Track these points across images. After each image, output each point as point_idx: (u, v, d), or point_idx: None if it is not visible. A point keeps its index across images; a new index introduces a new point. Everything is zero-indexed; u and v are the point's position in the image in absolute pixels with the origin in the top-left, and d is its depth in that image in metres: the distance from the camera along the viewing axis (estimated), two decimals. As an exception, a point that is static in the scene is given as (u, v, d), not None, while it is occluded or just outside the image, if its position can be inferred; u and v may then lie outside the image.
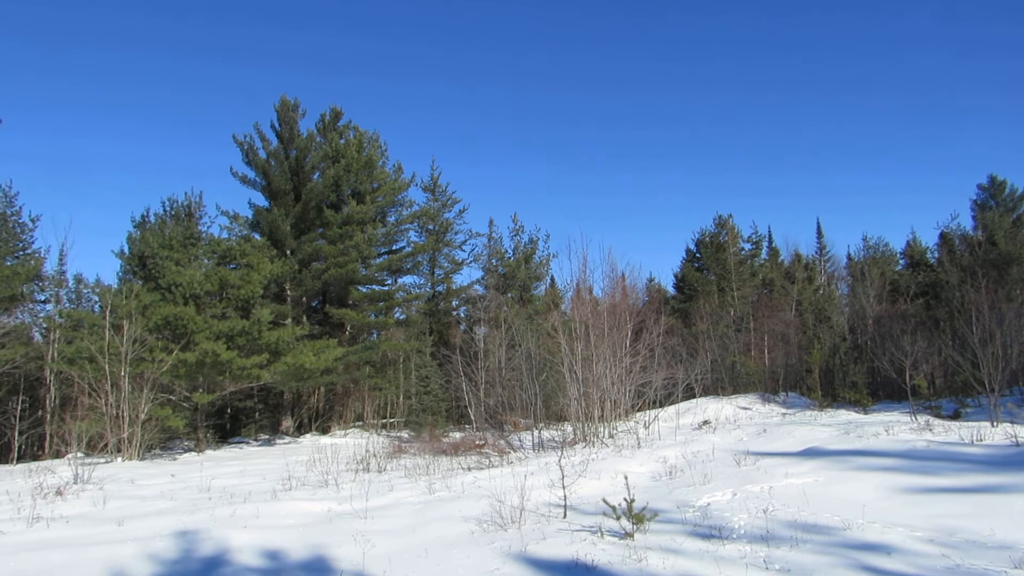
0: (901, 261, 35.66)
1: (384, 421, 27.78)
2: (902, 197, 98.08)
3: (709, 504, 8.21)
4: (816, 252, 39.07)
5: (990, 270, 24.47)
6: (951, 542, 6.10)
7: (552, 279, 36.06)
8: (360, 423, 28.11)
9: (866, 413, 18.89)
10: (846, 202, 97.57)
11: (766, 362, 27.73)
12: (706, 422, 17.64)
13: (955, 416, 16.64)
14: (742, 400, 22.66)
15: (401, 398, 27.68)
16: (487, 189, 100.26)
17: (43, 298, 28.49)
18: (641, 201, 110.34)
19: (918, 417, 15.88)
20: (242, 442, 23.83)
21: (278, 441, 23.61)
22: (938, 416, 16.55)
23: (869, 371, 22.95)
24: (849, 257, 38.47)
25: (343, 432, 25.68)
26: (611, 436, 15.27)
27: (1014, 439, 11.19)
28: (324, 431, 26.82)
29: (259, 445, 22.51)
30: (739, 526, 7.09)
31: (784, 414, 19.82)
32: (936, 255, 32.49)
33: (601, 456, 12.59)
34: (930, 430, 13.37)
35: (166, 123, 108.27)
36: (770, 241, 39.51)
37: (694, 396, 22.92)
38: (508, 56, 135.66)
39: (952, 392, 21.10)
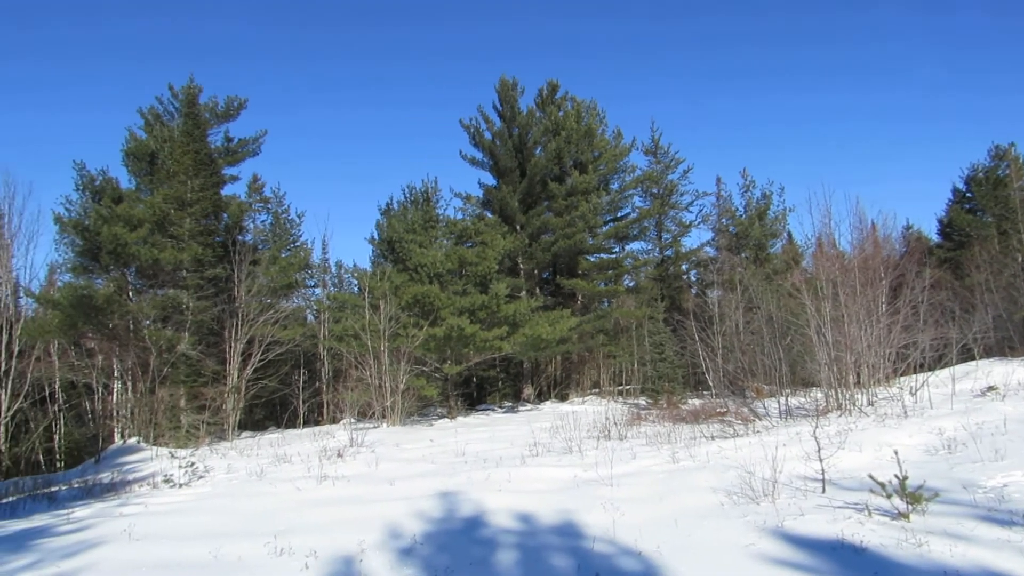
0: None
1: (620, 388, 27.94)
2: None
3: (1006, 485, 7.04)
4: None
5: None
6: None
7: (789, 235, 33.63)
8: (596, 390, 28.53)
9: None
10: None
11: (1071, 315, 23.52)
12: (991, 388, 15.31)
13: None
14: (1040, 362, 19.44)
15: (636, 365, 27.63)
16: (711, 147, 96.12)
17: (313, 284, 32.39)
18: (892, 148, 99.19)
19: None
20: (488, 409, 25.24)
21: (520, 408, 24.69)
22: None
23: None
24: None
25: (581, 399, 26.24)
26: (871, 404, 13.90)
27: None
28: (563, 398, 27.62)
29: (503, 412, 23.71)
30: (1050, 513, 6.01)
31: (1095, 377, 16.70)
32: None
33: (860, 426, 11.51)
34: None
35: (401, 115, 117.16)
36: (1069, 168, 33.42)
37: (972, 358, 20.09)
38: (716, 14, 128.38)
39: None
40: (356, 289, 27.83)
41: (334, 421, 24.04)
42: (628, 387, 27.73)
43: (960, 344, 17.81)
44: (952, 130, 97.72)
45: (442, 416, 22.00)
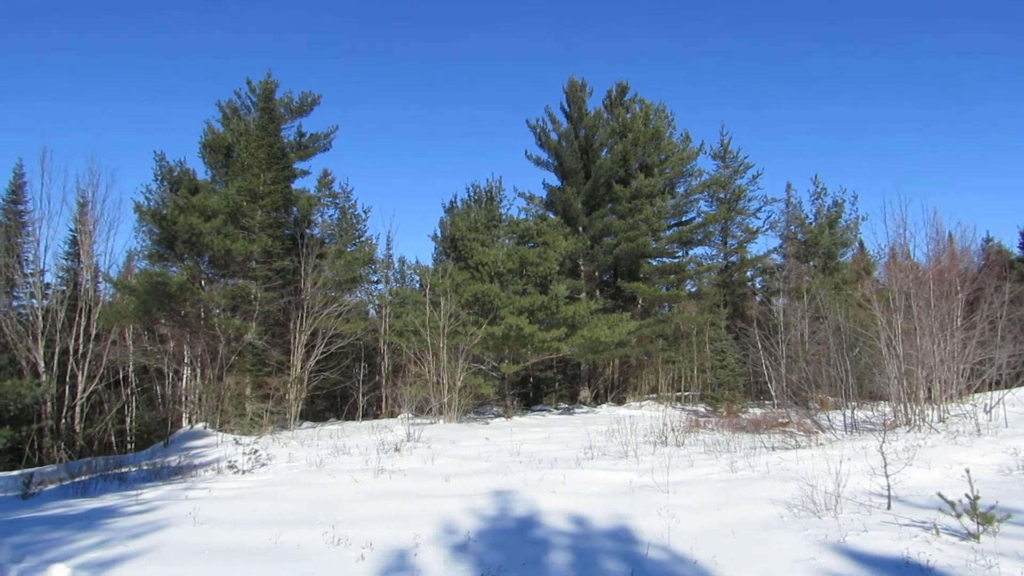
0: None
1: (678, 394, 27.58)
2: None
3: (1086, 509, 6.74)
4: None
5: None
6: None
7: (861, 244, 32.60)
8: (654, 395, 28.23)
9: None
10: None
11: None
12: (1070, 408, 14.64)
13: None
14: None
15: (695, 371, 27.22)
16: (783, 155, 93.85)
17: (376, 279, 33.00)
18: (970, 157, 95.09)
19: None
20: (544, 410, 25.26)
21: (576, 410, 24.63)
22: None
23: None
24: None
25: (638, 404, 26.00)
26: (942, 420, 13.38)
27: None
28: (619, 402, 27.42)
29: (559, 413, 23.69)
30: None
31: None
32: None
33: (930, 443, 11.09)
34: None
35: (467, 114, 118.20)
36: None
37: (1052, 376, 19.18)
38: (795, 21, 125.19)
39: None
40: (418, 285, 28.22)
41: (392, 415, 24.43)
42: (687, 393, 27.35)
43: (1040, 362, 16.99)
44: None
45: (498, 415, 22.12)
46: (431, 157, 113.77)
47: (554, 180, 30.14)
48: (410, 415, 20.05)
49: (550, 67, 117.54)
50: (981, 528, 5.94)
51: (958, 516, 6.12)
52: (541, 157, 30.14)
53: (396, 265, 33.95)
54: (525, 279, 22.76)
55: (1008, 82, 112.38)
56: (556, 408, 25.82)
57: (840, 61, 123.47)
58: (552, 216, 28.62)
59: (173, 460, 12.59)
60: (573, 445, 13.05)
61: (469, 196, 31.61)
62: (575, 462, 10.83)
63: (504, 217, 27.74)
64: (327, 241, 26.21)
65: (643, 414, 21.01)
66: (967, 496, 6.12)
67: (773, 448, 11.98)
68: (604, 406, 25.87)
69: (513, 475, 9.62)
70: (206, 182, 25.04)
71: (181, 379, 22.85)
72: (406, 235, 74.99)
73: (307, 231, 24.07)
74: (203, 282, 22.82)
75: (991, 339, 15.43)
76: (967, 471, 6.93)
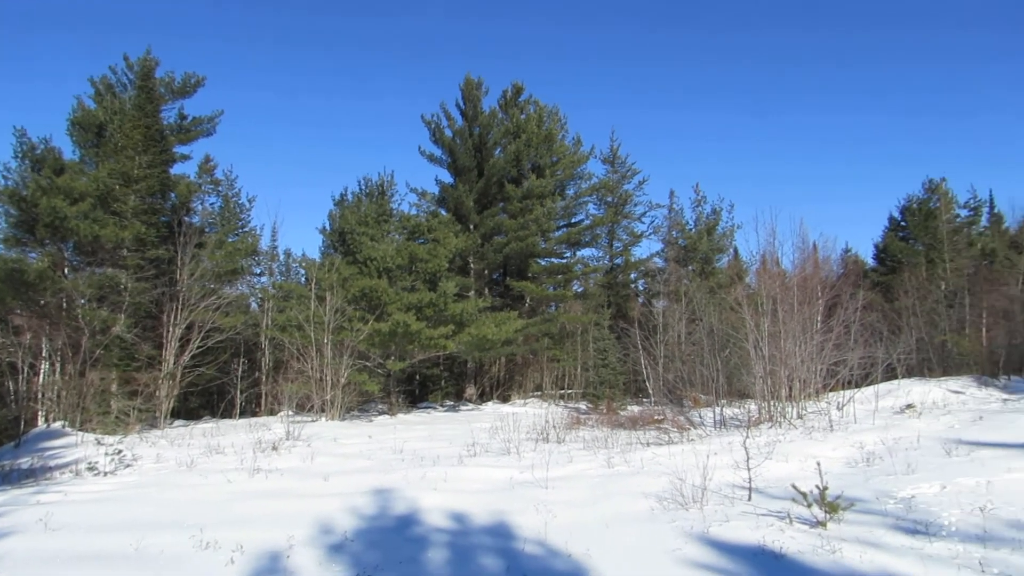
0: None
1: (562, 392, 28.19)
2: None
3: (913, 496, 7.48)
4: (1050, 217, 34.18)
5: None
6: None
7: (736, 251, 34.51)
8: (539, 393, 28.72)
9: (1111, 403, 16.38)
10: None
11: (983, 342, 24.79)
12: (910, 406, 16.08)
13: None
14: (953, 383, 20.44)
15: (579, 370, 27.92)
16: (667, 160, 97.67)
17: (259, 271, 31.81)
18: (836, 169, 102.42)
19: None
20: (429, 407, 25.20)
21: (462, 408, 24.72)
22: None
23: (1115, 355, 19.80)
24: (1095, 224, 33.32)
25: (523, 401, 26.39)
26: (800, 417, 14.41)
27: None
28: (504, 400, 27.73)
29: (445, 411, 23.70)
30: (949, 523, 6.40)
31: (1005, 400, 17.62)
32: None
33: (789, 438, 11.92)
34: None
35: (360, 106, 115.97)
36: (992, 207, 35.12)
37: (895, 377, 21.03)
38: (685, 30, 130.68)
39: None
40: (303, 279, 27.44)
41: (272, 413, 23.68)
42: (570, 391, 28.00)
43: (885, 364, 18.61)
44: (899, 157, 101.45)
45: (383, 412, 21.89)
46: (322, 148, 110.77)
47: (447, 177, 30.08)
48: (291, 413, 19.50)
49: (447, 63, 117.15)
50: (828, 516, 6.47)
51: (809, 506, 6.64)
52: (435, 153, 30.02)
53: (281, 257, 32.80)
54: (414, 275, 22.62)
55: (864, 96, 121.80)
56: (442, 406, 25.81)
57: (725, 68, 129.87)
58: (444, 213, 28.57)
59: (25, 462, 11.65)
60: (457, 443, 13.13)
61: (360, 189, 31.09)
62: (458, 459, 10.90)
63: (395, 212, 27.42)
64: (207, 230, 25.03)
65: (527, 411, 21.36)
66: (817, 487, 6.66)
67: (648, 444, 12.51)
68: (489, 404, 26.08)
69: (395, 473, 9.58)
70: (74, 162, 23.25)
71: (38, 374, 21.14)
72: (293, 227, 72.53)
73: (185, 219, 22.86)
74: (66, 270, 21.22)
75: (845, 342, 16.71)
76: (818, 464, 7.55)
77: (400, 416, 20.94)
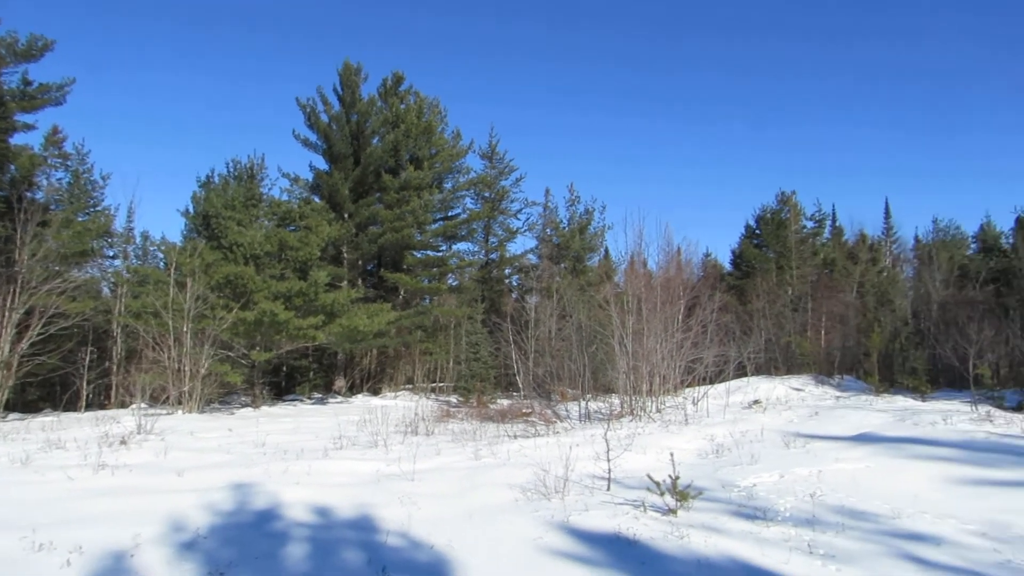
0: (973, 245, 34.24)
1: (433, 385, 28.21)
2: (978, 181, 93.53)
3: (755, 485, 8.12)
4: (883, 233, 37.80)
5: (1067, 257, 23.20)
6: (1004, 536, 5.93)
7: (607, 251, 35.82)
8: (410, 386, 28.59)
9: (924, 400, 18.35)
10: (918, 184, 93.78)
11: (822, 344, 27.11)
12: (756, 402, 17.37)
13: (1019, 408, 15.99)
14: (795, 381, 22.25)
15: (451, 363, 28.03)
16: (545, 159, 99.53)
17: (112, 254, 29.73)
18: (702, 175, 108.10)
19: (979, 407, 15.31)
20: (296, 400, 24.51)
21: (331, 400, 24.21)
22: (1000, 407, 15.91)
23: (930, 358, 22.18)
24: (917, 239, 37.15)
25: (393, 394, 26.17)
26: (659, 411, 15.19)
27: (1082, 434, 10.73)
28: (375, 392, 27.39)
29: (312, 403, 23.13)
30: (784, 509, 7.01)
31: (838, 397, 19.39)
32: (1011, 240, 30.82)
33: (648, 431, 12.55)
34: (991, 421, 12.92)
35: (232, 85, 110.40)
36: (834, 220, 38.42)
37: (746, 375, 22.60)
38: (570, 31, 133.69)
39: (1018, 383, 20.17)
40: (162, 264, 25.88)
41: (123, 406, 22.16)
42: (441, 384, 28.06)
43: (736, 362, 20.00)
44: (759, 167, 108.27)
45: (246, 405, 21.08)
46: (187, 127, 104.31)
47: (322, 163, 29.26)
48: (144, 405, 18.34)
49: (325, 46, 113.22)
50: (679, 504, 6.91)
51: (662, 495, 7.04)
52: (309, 138, 29.09)
53: (138, 240, 30.73)
54: (284, 263, 21.88)
55: (730, 105, 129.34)
56: (309, 398, 25.16)
57: (604, 70, 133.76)
58: (317, 200, 27.79)
59: None
60: (323, 436, 12.87)
61: (228, 172, 29.76)
62: (323, 452, 10.69)
63: (265, 197, 26.42)
64: (53, 207, 23.08)
65: (397, 404, 21.23)
66: (670, 477, 7.08)
67: (516, 437, 12.78)
68: (359, 396, 25.69)
69: (255, 467, 9.25)
70: None
71: None
72: (152, 208, 68.20)
73: (27, 194, 20.96)
74: None
75: (703, 341, 17.78)
76: (672, 455, 8.00)
77: (264, 409, 20.22)
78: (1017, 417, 13.66)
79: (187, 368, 18.06)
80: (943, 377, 22.34)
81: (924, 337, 23.82)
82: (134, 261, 29.82)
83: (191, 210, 28.80)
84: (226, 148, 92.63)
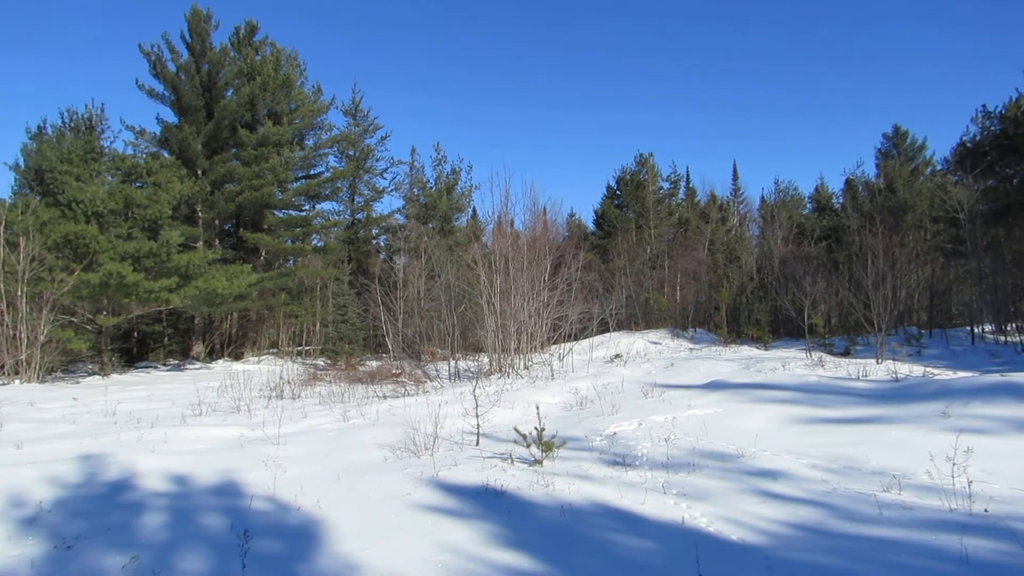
0: (808, 205, 37.09)
1: (300, 349, 27.51)
2: (816, 142, 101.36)
3: (616, 433, 8.60)
4: (731, 194, 40.36)
5: (887, 216, 25.60)
6: (832, 468, 6.61)
7: (474, 211, 36.02)
8: (275, 350, 27.74)
9: (767, 349, 19.94)
10: (763, 146, 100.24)
11: (678, 299, 28.71)
12: (618, 355, 18.24)
13: (845, 353, 17.76)
14: (653, 335, 23.49)
15: (318, 326, 27.39)
16: (410, 117, 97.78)
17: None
18: (566, 137, 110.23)
19: (813, 354, 16.89)
20: (150, 367, 23.17)
21: (188, 367, 23.07)
22: (831, 353, 17.62)
23: (772, 309, 24.08)
24: (762, 200, 39.88)
25: (257, 359, 25.30)
26: (526, 368, 15.63)
27: (894, 375, 12.13)
28: (237, 357, 26.35)
29: (168, 370, 21.94)
30: (642, 454, 7.47)
31: (692, 349, 20.70)
32: (841, 200, 33.62)
33: (515, 387, 12.91)
34: (822, 366, 14.29)
35: (66, 30, 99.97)
36: (688, 181, 40.43)
37: (608, 330, 23.61)
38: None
39: (845, 331, 22.17)
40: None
41: (-53, 378, 20.09)
42: (308, 348, 27.40)
43: (599, 318, 20.88)
44: (621, 127, 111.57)
45: (93, 373, 19.68)
46: (14, 72, 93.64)
47: (170, 116, 27.30)
48: (-27, 377, 16.73)
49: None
50: (544, 455, 7.19)
51: (528, 446, 7.30)
52: (156, 89, 26.93)
53: (-41, 196, 27.60)
54: (131, 222, 20.39)
55: (596, 63, 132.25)
56: (165, 365, 23.84)
57: (474, 25, 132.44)
58: (167, 155, 25.93)
59: None
60: (180, 402, 12.35)
61: (63, 123, 27.25)
62: (180, 419, 10.25)
63: (107, 151, 24.42)
64: None
65: (261, 369, 20.58)
66: (536, 429, 7.33)
67: (385, 397, 12.78)
68: (220, 361, 24.65)
69: (105, 437, 8.71)
70: None
71: None
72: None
73: None
74: None
75: (568, 299, 18.37)
76: (537, 408, 8.28)
77: (115, 377, 18.98)
78: (844, 361, 15.20)
79: (24, 335, 16.60)
80: (783, 327, 24.36)
81: (767, 291, 25.78)
82: (-47, 220, 26.77)
83: (21, 163, 26.11)
84: (59, 97, 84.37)
